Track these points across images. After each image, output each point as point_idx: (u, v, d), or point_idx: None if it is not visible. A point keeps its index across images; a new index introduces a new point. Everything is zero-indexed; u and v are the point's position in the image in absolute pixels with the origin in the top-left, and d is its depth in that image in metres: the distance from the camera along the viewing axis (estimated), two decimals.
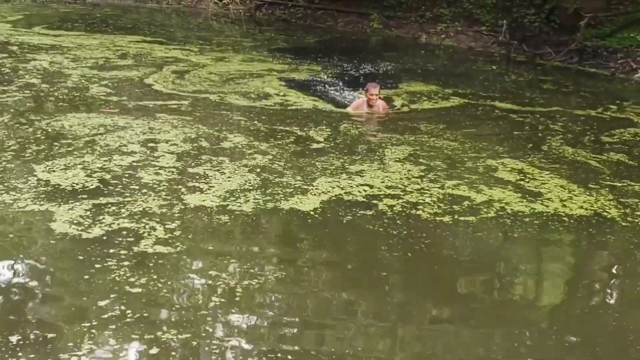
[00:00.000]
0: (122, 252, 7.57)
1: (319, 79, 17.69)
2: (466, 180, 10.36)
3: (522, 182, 10.37)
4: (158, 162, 10.31)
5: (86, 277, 7.06)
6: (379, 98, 14.12)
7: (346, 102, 15.07)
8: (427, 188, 9.93)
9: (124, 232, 8.00)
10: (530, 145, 12.54)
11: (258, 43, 23.82)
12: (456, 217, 9.05)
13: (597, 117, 14.99)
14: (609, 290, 7.89)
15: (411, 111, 14.57)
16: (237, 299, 6.95)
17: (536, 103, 16.26)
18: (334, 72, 18.91)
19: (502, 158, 11.56)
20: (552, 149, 12.29)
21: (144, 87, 15.36)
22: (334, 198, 9.42)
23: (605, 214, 9.46)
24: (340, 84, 17.36)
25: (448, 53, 24.72)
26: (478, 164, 11.19)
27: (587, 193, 10.13)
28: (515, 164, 11.24)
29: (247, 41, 24.12)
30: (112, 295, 6.74)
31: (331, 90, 16.48)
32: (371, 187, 9.86)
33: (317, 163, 10.72)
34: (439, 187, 9.98)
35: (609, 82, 19.95)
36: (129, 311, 6.51)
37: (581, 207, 9.59)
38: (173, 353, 6.01)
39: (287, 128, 12.64)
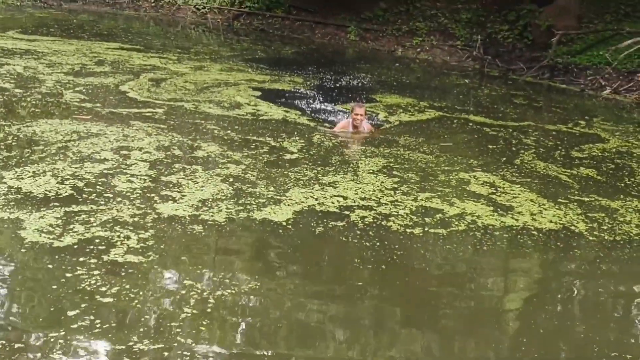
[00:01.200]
0: (93, 260, 7.51)
1: (296, 90, 17.71)
2: (439, 193, 10.39)
3: (493, 196, 10.42)
4: (131, 170, 10.24)
5: (56, 286, 6.98)
6: (364, 118, 13.72)
7: (321, 114, 15.02)
8: (400, 200, 9.93)
9: (96, 241, 7.93)
10: (504, 158, 12.60)
11: (236, 53, 23.79)
12: (427, 229, 9.07)
13: (567, 132, 15.10)
14: (574, 303, 7.93)
15: (391, 127, 14.45)
16: (210, 309, 6.91)
17: (509, 117, 16.35)
18: (311, 84, 18.93)
19: (475, 171, 11.60)
20: (525, 163, 12.36)
21: (118, 94, 15.26)
22: (306, 209, 9.41)
23: (573, 227, 9.52)
24: (317, 95, 17.38)
25: (423, 66, 24.82)
26: (451, 177, 11.22)
27: (557, 207, 10.19)
28: (487, 177, 11.29)
29: (224, 50, 24.09)
30: (82, 305, 6.66)
31: (308, 102, 16.49)
32: (345, 198, 9.86)
33: (290, 174, 10.69)
34: (412, 200, 10.00)
35: (578, 98, 20.13)
36: (99, 321, 6.44)
37: (550, 221, 9.65)
38: None
39: (261, 138, 12.61)
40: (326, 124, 14.18)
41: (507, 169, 11.91)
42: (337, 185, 10.31)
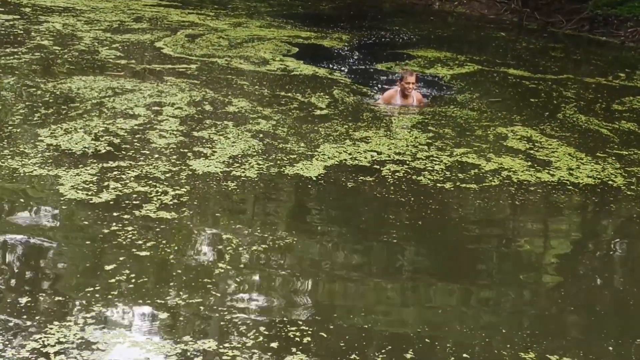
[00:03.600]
0: (128, 216, 7.60)
1: (332, 47, 17.56)
2: (475, 148, 10.36)
3: (531, 151, 10.42)
4: (162, 125, 10.41)
5: (94, 242, 7.04)
6: (416, 87, 12.63)
7: (357, 74, 14.82)
8: (435, 155, 9.90)
9: (131, 197, 8.03)
10: (543, 112, 12.53)
11: (274, 9, 23.66)
12: (461, 184, 9.05)
13: (607, 85, 14.92)
14: (612, 258, 7.98)
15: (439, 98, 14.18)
16: (248, 262, 7.03)
17: (548, 70, 16.19)
18: (347, 39, 18.79)
19: (515, 125, 11.56)
20: (566, 116, 12.29)
21: (154, 50, 15.31)
22: (338, 164, 9.38)
23: (611, 182, 9.40)
24: (353, 52, 17.23)
25: (461, 20, 24.58)
26: (489, 131, 11.21)
27: (595, 162, 10.10)
28: (526, 131, 11.25)
29: (263, 6, 23.96)
30: (120, 259, 6.75)
31: (344, 59, 16.38)
32: (379, 153, 9.80)
33: (320, 129, 10.66)
34: (447, 155, 9.91)
35: (618, 50, 19.84)
36: (136, 275, 6.55)
37: (588, 176, 9.53)
38: (182, 318, 6.07)
39: (290, 94, 12.64)
40: (367, 91, 13.53)
41: (547, 122, 11.86)
42: (369, 141, 10.33)
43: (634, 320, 6.48)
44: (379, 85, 14.00)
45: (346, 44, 18.20)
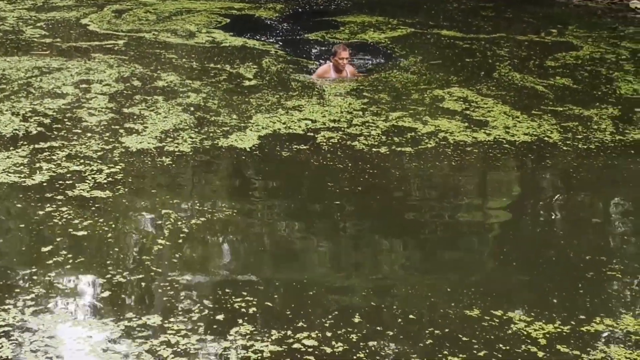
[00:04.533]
0: (62, 197, 7.56)
1: (263, 17, 17.48)
2: (411, 111, 10.43)
3: (467, 111, 10.55)
4: (92, 103, 10.33)
5: (29, 224, 7.06)
6: (350, 61, 12.41)
7: (289, 44, 14.77)
8: (371, 121, 9.98)
9: (65, 177, 8.00)
10: (479, 72, 12.73)
11: None
12: (399, 148, 9.15)
13: (539, 42, 15.14)
14: (551, 212, 8.20)
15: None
16: (187, 236, 7.10)
17: (481, 30, 16.35)
18: (280, 9, 18.69)
19: (451, 87, 11.70)
20: (501, 75, 12.47)
21: (79, 27, 15.12)
22: (272, 134, 9.51)
23: (547, 138, 9.60)
24: (284, 21, 17.18)
25: None
26: (426, 94, 11.33)
27: (531, 119, 10.25)
28: (462, 92, 11.41)
29: None
30: (57, 240, 6.80)
31: (274, 28, 16.30)
32: (313, 121, 9.89)
33: (252, 100, 10.70)
34: (382, 120, 10.02)
35: (550, 7, 20.04)
36: (74, 255, 6.59)
37: (525, 134, 9.70)
38: (124, 295, 6.16)
39: (219, 66, 12.56)
40: (298, 61, 13.49)
41: (483, 82, 12.04)
42: (303, 109, 10.40)
43: (575, 273, 6.69)
44: (313, 58, 13.97)
45: (278, 13, 18.14)
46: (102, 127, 9.50)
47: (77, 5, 17.53)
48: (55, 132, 9.23)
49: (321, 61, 13.34)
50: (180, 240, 6.97)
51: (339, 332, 5.66)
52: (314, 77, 12.35)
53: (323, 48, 14.55)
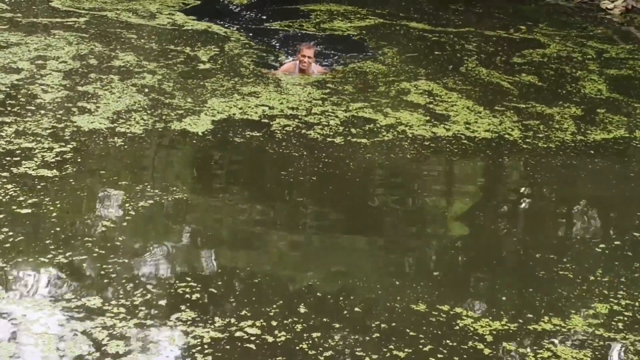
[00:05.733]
0: (7, 174, 7.42)
1: (224, 1, 17.34)
2: (373, 103, 10.37)
3: (431, 105, 10.54)
4: (46, 80, 10.24)
5: None
6: (314, 61, 11.72)
7: (252, 31, 14.64)
8: (330, 111, 9.92)
9: (14, 153, 7.84)
10: (447, 66, 12.79)
11: None
12: (355, 139, 9.11)
13: (508, 38, 15.19)
14: (503, 211, 8.17)
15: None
16: (135, 219, 7.06)
17: (450, 23, 16.37)
18: None
19: (418, 80, 11.68)
20: (468, 70, 12.49)
21: (42, 3, 14.91)
22: (227, 119, 9.43)
23: (507, 136, 9.61)
24: (251, 8, 17.02)
25: None
26: (392, 87, 11.24)
27: (493, 115, 10.26)
28: (428, 85, 11.37)
29: None
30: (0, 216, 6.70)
31: (240, 15, 16.16)
32: (270, 108, 9.82)
33: (207, 84, 10.61)
34: (342, 110, 9.97)
35: (519, 3, 20.09)
36: (14, 233, 6.50)
37: (486, 130, 9.72)
38: (64, 276, 6.09)
39: (179, 48, 12.45)
40: (263, 48, 13.13)
41: (450, 76, 12.05)
42: (259, 96, 10.30)
43: (526, 271, 6.72)
44: (276, 47, 13.80)
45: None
46: (55, 104, 9.42)
47: None
48: (8, 108, 9.11)
49: (289, 58, 12.85)
50: (127, 223, 6.92)
51: (283, 321, 5.64)
52: (278, 73, 11.72)
53: (289, 36, 14.45)
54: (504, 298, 6.22)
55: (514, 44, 14.74)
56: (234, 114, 9.62)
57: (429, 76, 11.96)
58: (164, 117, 9.37)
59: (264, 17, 16.18)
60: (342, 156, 8.79)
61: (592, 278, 6.59)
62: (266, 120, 9.53)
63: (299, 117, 9.71)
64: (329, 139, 9.13)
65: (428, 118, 10.03)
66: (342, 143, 9.06)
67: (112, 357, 5.13)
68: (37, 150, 8.05)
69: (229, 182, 8.20)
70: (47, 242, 6.43)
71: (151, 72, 11.07)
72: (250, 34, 14.25)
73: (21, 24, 13.18)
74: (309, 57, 11.46)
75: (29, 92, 9.74)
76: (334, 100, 10.46)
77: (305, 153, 8.73)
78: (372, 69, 12.20)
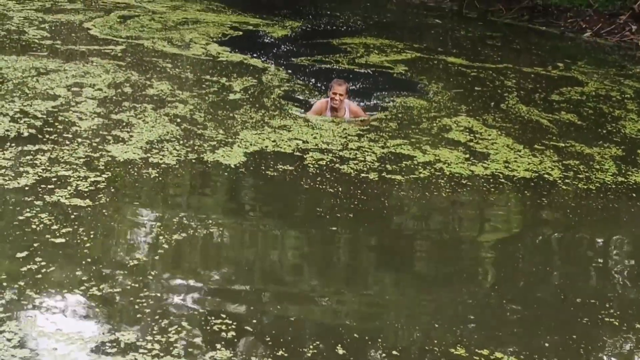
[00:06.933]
0: (41, 202, 7.36)
1: (265, 34, 17.37)
2: (413, 140, 10.27)
3: (471, 143, 10.41)
4: (81, 107, 10.27)
5: (8, 229, 6.87)
6: (345, 98, 11.10)
7: (286, 64, 14.58)
8: (367, 147, 9.80)
9: (49, 181, 7.79)
10: (487, 102, 12.63)
11: None
12: (389, 175, 8.96)
13: (545, 75, 15.14)
14: (543, 253, 8.03)
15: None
16: (169, 252, 6.97)
17: (488, 59, 16.34)
18: (289, 25, 18.60)
19: (458, 116, 11.50)
20: (509, 107, 12.42)
21: (81, 31, 15.03)
22: (260, 151, 9.45)
23: (547, 176, 9.46)
24: (287, 41, 17.03)
25: (399, 6, 24.55)
26: (434, 124, 11.13)
27: (533, 154, 10.14)
28: (468, 122, 11.23)
29: None
30: (34, 245, 6.66)
31: (276, 48, 16.14)
32: (304, 142, 9.76)
33: (236, 116, 10.68)
34: (379, 147, 9.85)
35: (558, 41, 20.05)
36: (49, 263, 6.42)
37: (526, 169, 9.59)
38: (98, 309, 5.98)
39: (214, 78, 12.43)
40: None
41: (491, 113, 11.96)
42: (291, 129, 10.22)
43: (568, 317, 6.56)
44: (310, 82, 13.64)
45: (284, 31, 18.02)
46: (91, 132, 9.40)
47: (85, 9, 17.53)
48: (46, 136, 9.09)
49: (319, 96, 12.39)
50: (160, 256, 6.83)
51: None
52: (309, 115, 11.13)
53: (324, 70, 14.37)
54: (546, 345, 6.07)
55: (552, 81, 14.66)
56: (267, 147, 9.56)
57: (469, 112, 11.87)
58: (196, 148, 9.32)
59: (302, 50, 16.16)
60: (377, 193, 8.67)
61: (638, 326, 6.42)
62: (299, 154, 9.44)
63: (333, 151, 9.61)
64: (362, 175, 9.02)
65: (467, 156, 9.90)
66: (376, 179, 8.95)
67: None
68: (72, 179, 7.99)
69: (265, 216, 8.10)
70: (80, 273, 6.34)
71: (183, 101, 11.03)
72: (284, 67, 14.21)
73: (60, 51, 13.30)
74: (340, 94, 10.86)
75: (65, 119, 9.73)
76: (371, 137, 10.34)
77: (341, 189, 8.61)
78: (415, 105, 12.11)
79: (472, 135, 10.75)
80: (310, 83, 13.43)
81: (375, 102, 12.48)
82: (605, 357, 5.99)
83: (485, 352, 5.82)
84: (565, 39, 20.40)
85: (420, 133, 10.75)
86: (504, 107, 12.39)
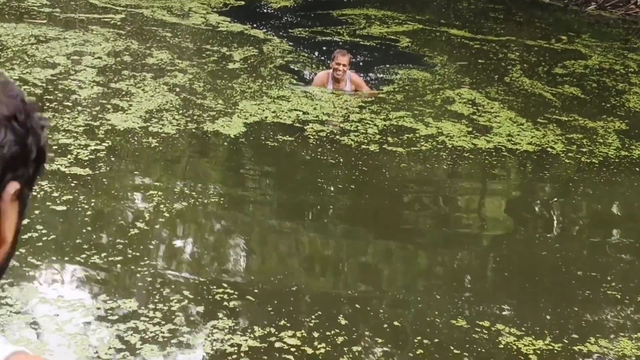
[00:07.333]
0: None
1: (261, 3, 17.26)
2: (416, 112, 10.23)
3: (474, 116, 10.37)
4: (80, 76, 10.24)
5: None
6: (349, 69, 11.04)
7: (287, 35, 14.49)
8: (368, 119, 9.77)
9: (50, 150, 7.74)
10: (491, 75, 12.61)
11: None
12: (390, 147, 8.97)
13: (549, 48, 15.08)
14: (545, 225, 8.06)
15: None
16: (170, 221, 7.00)
17: (492, 32, 16.23)
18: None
19: (461, 88, 11.49)
20: (512, 80, 12.37)
21: None
22: (260, 122, 9.40)
23: (550, 149, 9.46)
24: (288, 12, 16.91)
25: None
26: (437, 96, 11.09)
27: (536, 127, 10.13)
28: (470, 94, 11.17)
29: None
30: (35, 212, 6.68)
31: (278, 19, 16.05)
32: (304, 113, 9.75)
33: (235, 85, 10.64)
34: (381, 119, 9.84)
35: (562, 13, 19.94)
36: (49, 231, 6.45)
37: (528, 143, 9.57)
38: (99, 277, 6.05)
39: (214, 48, 12.42)
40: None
41: (494, 86, 11.92)
42: (290, 100, 10.19)
43: (569, 289, 6.59)
44: (312, 53, 13.53)
45: (285, 2, 17.89)
46: (90, 101, 9.40)
47: None
48: (47, 104, 9.09)
49: (320, 68, 12.26)
50: (161, 225, 6.86)
51: (323, 333, 5.54)
52: (312, 87, 11.04)
53: (323, 42, 14.31)
54: (547, 317, 6.09)
55: (555, 54, 14.62)
56: (267, 117, 9.57)
57: (472, 85, 11.84)
58: (195, 117, 9.33)
59: (301, 22, 16.08)
60: (378, 165, 8.69)
61: (639, 299, 6.46)
62: (299, 125, 9.45)
63: (334, 123, 9.62)
64: (362, 146, 9.03)
65: (470, 129, 9.89)
66: (377, 151, 8.96)
67: None
68: (72, 147, 8.01)
69: (266, 187, 8.15)
70: (80, 241, 6.37)
71: (183, 71, 11.03)
72: (285, 38, 14.15)
73: (59, 19, 13.26)
74: (343, 64, 10.78)
75: (65, 87, 9.75)
76: (373, 109, 10.34)
77: (342, 160, 8.63)
78: (418, 77, 12.09)
79: (475, 108, 10.74)
80: (311, 55, 13.38)
81: (377, 75, 12.45)
82: (606, 329, 6.03)
83: (486, 323, 5.85)
84: (569, 12, 20.31)
85: (424, 105, 10.75)
86: (507, 80, 12.38)
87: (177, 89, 10.23)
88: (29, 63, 10.49)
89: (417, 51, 13.98)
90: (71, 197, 7.03)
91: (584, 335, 5.85)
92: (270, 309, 5.77)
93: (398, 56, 13.63)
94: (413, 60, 13.24)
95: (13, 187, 1.19)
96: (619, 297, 6.47)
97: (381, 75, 12.41)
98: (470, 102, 10.95)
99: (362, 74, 11.84)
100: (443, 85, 11.82)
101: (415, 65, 12.87)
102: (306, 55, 13.30)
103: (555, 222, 8.18)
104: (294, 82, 11.38)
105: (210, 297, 5.83)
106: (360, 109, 10.22)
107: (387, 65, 12.91)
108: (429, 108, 10.65)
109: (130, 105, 9.42)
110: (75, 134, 8.37)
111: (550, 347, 5.66)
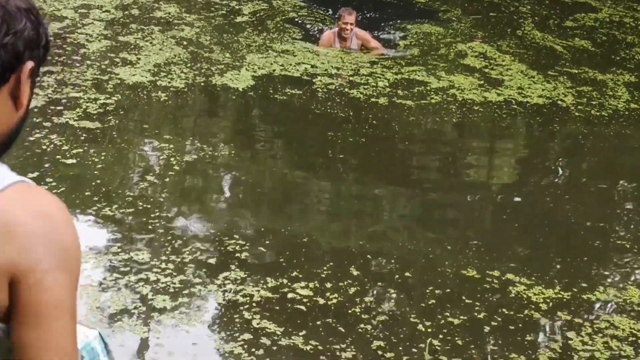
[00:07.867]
0: (50, 124, 7.43)
1: None
2: (429, 66, 10.22)
3: (486, 69, 10.34)
4: (88, 29, 10.33)
5: (18, 149, 6.95)
6: (355, 27, 10.91)
7: None
8: (379, 73, 9.78)
9: (58, 102, 7.85)
10: (504, 28, 12.52)
11: None
12: (400, 100, 9.08)
13: (560, 1, 14.92)
14: (554, 178, 8.12)
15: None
16: (180, 174, 7.08)
17: None
18: None
19: (474, 42, 11.48)
20: (525, 33, 12.28)
21: None
22: (268, 75, 9.42)
23: (560, 102, 9.47)
24: None
25: None
26: (450, 49, 11.09)
27: (547, 80, 10.12)
28: (482, 47, 11.12)
29: None
30: (45, 166, 6.76)
31: None
32: (313, 66, 9.74)
33: (243, 40, 10.65)
34: (393, 72, 9.84)
35: None
36: (59, 184, 6.54)
37: (539, 96, 9.57)
38: (110, 230, 6.11)
39: (223, 2, 12.40)
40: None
41: (506, 39, 11.87)
42: (296, 54, 10.22)
43: (578, 240, 6.67)
44: (318, 8, 13.38)
45: None
46: (99, 55, 9.44)
47: None
48: (56, 58, 9.12)
49: (329, 24, 12.15)
50: (171, 178, 6.93)
51: (337, 283, 5.61)
52: (319, 48, 10.84)
53: None
54: (557, 266, 6.17)
55: (566, 7, 14.53)
56: (275, 71, 9.59)
57: (485, 39, 11.81)
58: (204, 71, 9.36)
59: None
60: (387, 118, 8.72)
61: None
62: (308, 78, 9.47)
63: (343, 76, 9.65)
64: (372, 99, 9.05)
65: (482, 82, 9.89)
66: (386, 104, 8.98)
67: (158, 312, 5.16)
68: (81, 101, 8.05)
69: (276, 141, 8.21)
70: (90, 194, 6.45)
71: (190, 24, 11.02)
72: None
73: None
74: (350, 23, 10.69)
75: (74, 41, 9.79)
76: (385, 63, 10.34)
77: (352, 113, 8.66)
78: (431, 31, 12.05)
79: (487, 61, 10.73)
80: (319, 10, 13.29)
81: (388, 31, 12.40)
82: (614, 279, 6.10)
83: (496, 273, 5.92)
84: None
85: (437, 59, 10.74)
86: (519, 34, 12.34)
87: (185, 42, 10.25)
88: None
89: (432, 5, 13.92)
90: (81, 150, 7.10)
91: (592, 285, 5.93)
92: (282, 260, 5.85)
93: (408, 10, 13.57)
94: (424, 15, 13.19)
95: (30, 64, 1.61)
96: (627, 246, 6.55)
97: (391, 32, 12.36)
98: (482, 56, 10.94)
99: (375, 33, 11.79)
100: (455, 39, 11.80)
101: (426, 20, 12.83)
102: (316, 10, 13.23)
103: (564, 174, 8.23)
104: (302, 43, 11.14)
105: (222, 248, 5.91)
106: (370, 64, 10.22)
107: (398, 21, 12.86)
108: (442, 62, 10.65)
109: (139, 58, 9.45)
110: (84, 88, 8.42)
111: (560, 296, 5.73)
